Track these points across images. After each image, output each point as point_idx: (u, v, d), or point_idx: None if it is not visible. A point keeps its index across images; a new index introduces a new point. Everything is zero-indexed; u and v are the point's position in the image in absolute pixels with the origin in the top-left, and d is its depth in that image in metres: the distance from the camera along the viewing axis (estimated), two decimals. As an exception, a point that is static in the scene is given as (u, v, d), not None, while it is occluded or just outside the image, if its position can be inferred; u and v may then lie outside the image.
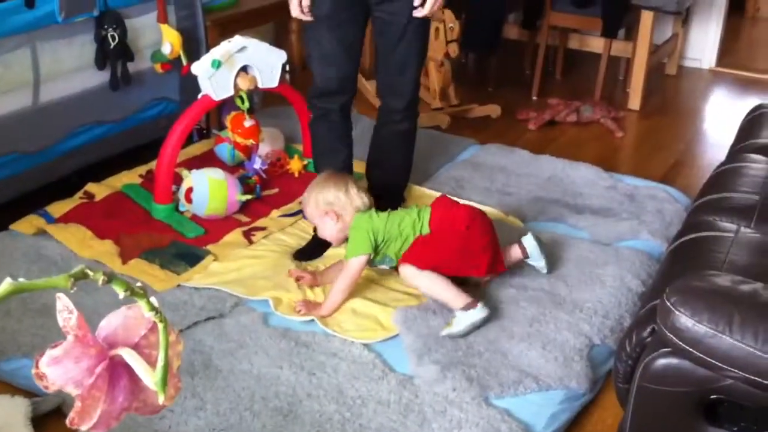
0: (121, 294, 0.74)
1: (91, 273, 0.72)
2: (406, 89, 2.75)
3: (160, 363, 0.74)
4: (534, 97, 4.51)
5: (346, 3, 2.59)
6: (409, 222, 2.47)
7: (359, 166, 3.00)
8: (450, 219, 2.47)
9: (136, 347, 0.75)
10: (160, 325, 0.75)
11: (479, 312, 2.37)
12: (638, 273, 2.69)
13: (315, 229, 2.69)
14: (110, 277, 0.72)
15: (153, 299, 0.76)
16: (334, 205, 2.48)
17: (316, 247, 2.77)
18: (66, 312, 0.73)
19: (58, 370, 0.72)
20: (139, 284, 0.75)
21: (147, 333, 0.76)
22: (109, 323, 0.77)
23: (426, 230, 2.46)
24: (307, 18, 2.59)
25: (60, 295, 0.73)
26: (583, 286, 2.62)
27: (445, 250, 2.44)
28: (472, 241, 2.44)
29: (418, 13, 2.57)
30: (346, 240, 2.53)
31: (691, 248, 2.09)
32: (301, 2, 2.56)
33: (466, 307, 2.37)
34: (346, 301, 2.47)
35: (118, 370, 0.73)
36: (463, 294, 2.39)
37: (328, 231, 2.54)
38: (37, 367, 0.73)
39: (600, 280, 2.64)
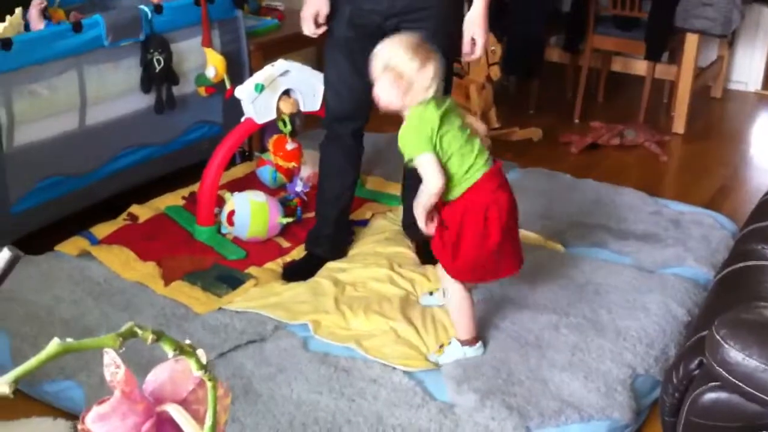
0: (170, 353, 0.73)
1: (140, 332, 0.72)
2: None
3: (209, 422, 0.73)
4: (576, 120, 4.47)
5: (362, 26, 2.56)
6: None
7: (389, 186, 2.98)
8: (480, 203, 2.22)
9: (183, 403, 0.74)
10: (209, 384, 0.75)
11: (474, 351, 2.35)
12: (683, 301, 2.64)
13: (307, 244, 2.72)
14: (159, 336, 0.72)
15: (201, 354, 0.75)
16: (402, 75, 2.16)
17: (305, 266, 2.77)
18: (113, 367, 0.73)
19: (105, 427, 0.72)
20: (188, 341, 0.75)
21: (195, 388, 0.76)
22: (156, 377, 0.77)
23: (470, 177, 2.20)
24: (318, 32, 2.58)
25: (107, 349, 0.72)
26: (627, 313, 2.57)
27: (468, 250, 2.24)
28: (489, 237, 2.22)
29: (469, 58, 2.58)
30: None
31: (739, 278, 2.05)
32: (316, 19, 2.56)
33: (466, 342, 2.34)
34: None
35: (165, 426, 0.73)
36: (473, 327, 2.35)
37: (385, 95, 2.22)
38: (83, 423, 0.73)
39: (644, 307, 2.60)
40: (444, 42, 2.44)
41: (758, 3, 4.69)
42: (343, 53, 2.62)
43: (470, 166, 2.19)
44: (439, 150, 2.16)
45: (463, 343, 2.34)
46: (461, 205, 2.22)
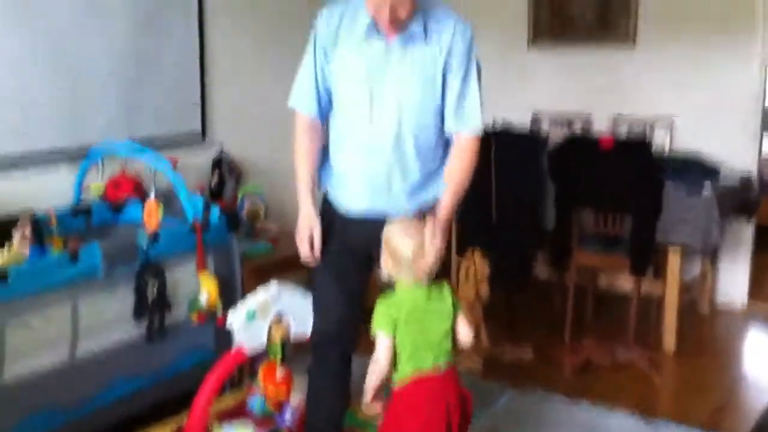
0: None
1: None
2: None
3: None
4: (567, 339, 4.48)
5: (351, 251, 2.60)
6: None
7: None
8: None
9: None
10: None
11: None
12: None
13: None
14: None
15: None
16: (395, 255, 2.32)
17: None
18: None
19: None
20: None
21: None
22: None
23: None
24: (312, 256, 2.59)
25: None
26: None
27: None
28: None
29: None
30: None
31: None
32: (312, 244, 2.57)
33: None
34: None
35: None
36: None
37: (383, 264, 2.38)
38: None
39: None
40: None
41: (737, 217, 4.84)
42: (331, 274, 2.64)
43: (414, 366, 2.29)
44: (396, 336, 2.28)
45: None
46: (396, 397, 2.32)
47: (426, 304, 2.33)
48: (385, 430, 2.37)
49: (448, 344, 2.35)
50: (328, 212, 2.64)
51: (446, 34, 2.43)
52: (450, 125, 2.53)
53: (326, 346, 2.71)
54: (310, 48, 2.54)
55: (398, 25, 2.36)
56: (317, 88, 2.55)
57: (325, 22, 2.49)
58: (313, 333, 2.77)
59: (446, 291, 2.39)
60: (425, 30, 2.41)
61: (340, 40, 2.46)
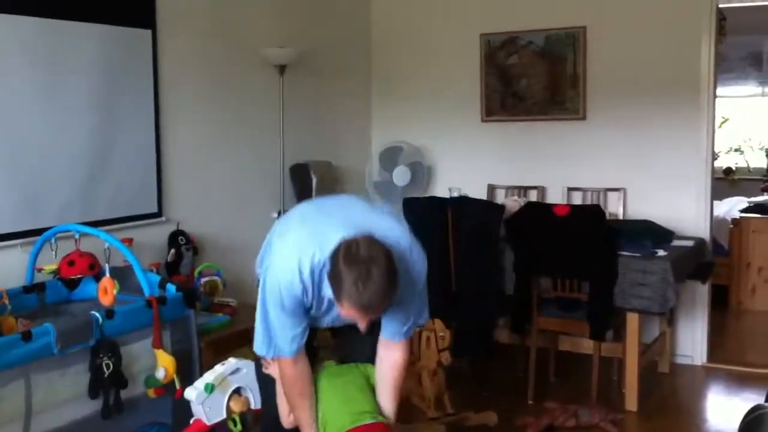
0: None
1: None
2: None
3: None
4: (530, 401, 4.48)
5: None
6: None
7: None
8: None
9: None
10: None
11: None
12: None
13: None
14: None
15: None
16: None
17: None
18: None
19: None
20: None
21: None
22: None
23: None
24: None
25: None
26: None
27: None
28: None
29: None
30: None
31: None
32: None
33: None
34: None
35: None
36: None
37: None
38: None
39: None
40: None
41: (692, 280, 4.93)
42: None
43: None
44: None
45: None
46: None
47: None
48: None
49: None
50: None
51: None
52: None
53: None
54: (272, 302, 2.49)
55: None
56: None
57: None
58: (262, 422, 2.77)
59: None
60: None
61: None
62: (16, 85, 3.61)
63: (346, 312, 2.29)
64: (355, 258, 2.23)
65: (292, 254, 2.39)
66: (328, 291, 2.37)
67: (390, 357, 2.62)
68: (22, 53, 3.64)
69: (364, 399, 2.61)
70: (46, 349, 2.89)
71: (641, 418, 4.29)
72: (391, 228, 2.46)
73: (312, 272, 2.37)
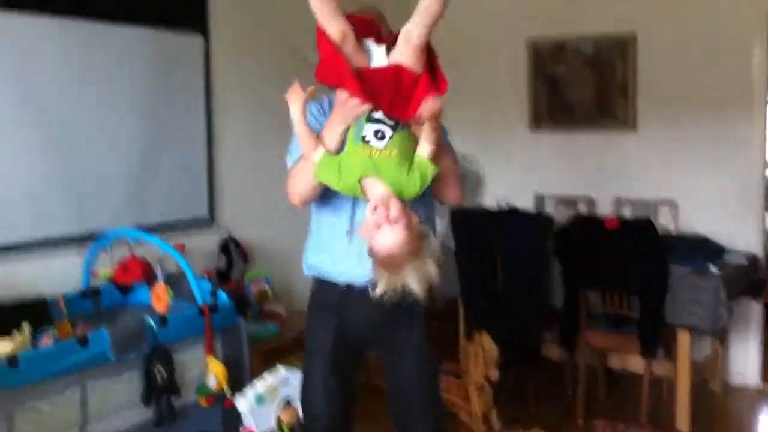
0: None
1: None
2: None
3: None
4: (579, 420, 4.41)
5: (346, 341, 2.51)
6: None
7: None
8: None
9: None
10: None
11: None
12: None
13: None
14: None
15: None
16: None
17: None
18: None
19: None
20: None
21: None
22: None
23: None
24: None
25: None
26: None
27: None
28: None
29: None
30: None
31: None
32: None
33: None
34: None
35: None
36: None
37: None
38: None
39: None
40: None
41: (745, 297, 4.82)
42: (324, 369, 2.52)
43: None
44: None
45: None
46: None
47: None
48: None
49: None
50: (321, 296, 2.56)
51: None
52: None
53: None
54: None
55: None
56: None
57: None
58: (304, 426, 2.70)
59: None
60: None
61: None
62: (68, 89, 3.67)
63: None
64: None
65: None
66: None
67: None
68: (78, 58, 3.70)
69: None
70: (101, 356, 2.93)
71: (693, 439, 4.21)
72: None
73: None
